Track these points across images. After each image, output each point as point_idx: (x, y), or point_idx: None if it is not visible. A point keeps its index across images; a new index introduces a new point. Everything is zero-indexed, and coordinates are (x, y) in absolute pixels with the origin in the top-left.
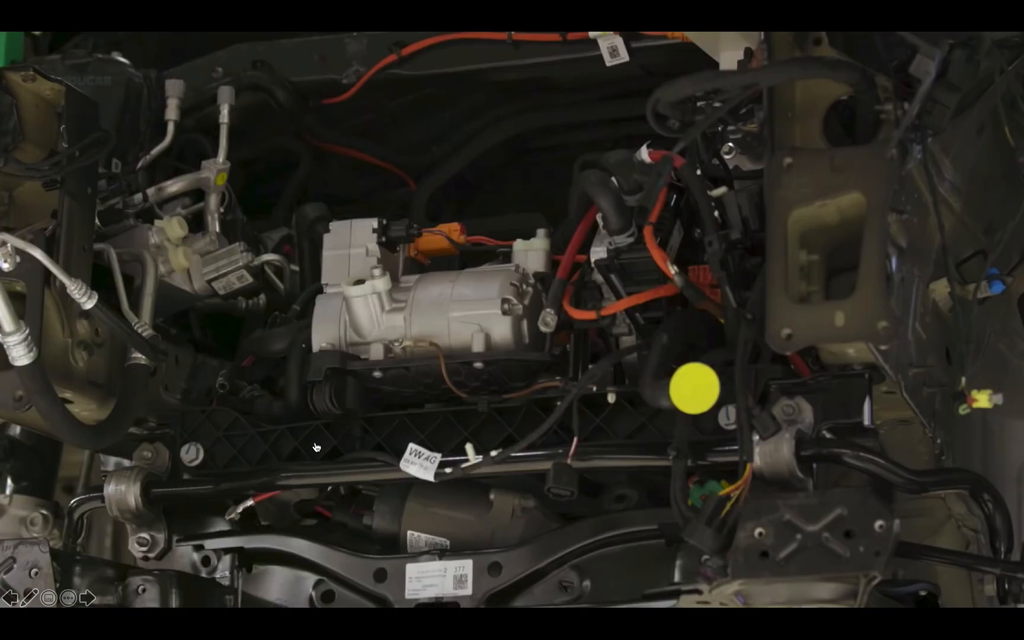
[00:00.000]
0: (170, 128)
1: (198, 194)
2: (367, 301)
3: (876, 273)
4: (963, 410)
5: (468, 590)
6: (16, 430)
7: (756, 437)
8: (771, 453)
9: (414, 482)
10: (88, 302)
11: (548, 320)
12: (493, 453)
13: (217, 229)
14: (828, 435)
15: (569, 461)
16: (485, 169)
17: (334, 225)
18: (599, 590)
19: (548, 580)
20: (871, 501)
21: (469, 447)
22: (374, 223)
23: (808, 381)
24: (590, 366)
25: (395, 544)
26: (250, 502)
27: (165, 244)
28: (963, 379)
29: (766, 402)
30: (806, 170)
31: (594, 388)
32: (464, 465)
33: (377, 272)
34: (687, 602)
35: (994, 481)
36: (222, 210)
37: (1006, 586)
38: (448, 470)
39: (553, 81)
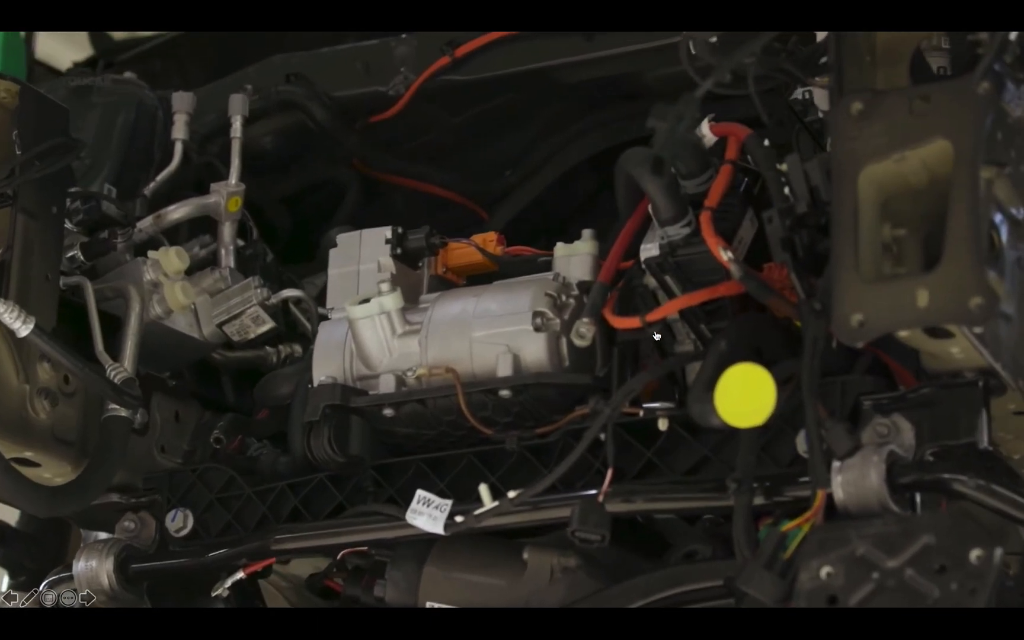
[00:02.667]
0: (177, 149)
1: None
2: (375, 323)
3: (966, 237)
4: None
5: None
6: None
7: (838, 463)
8: (856, 481)
9: (433, 544)
10: (23, 329)
11: (583, 331)
12: (511, 494)
13: (232, 264)
14: (932, 458)
15: (601, 497)
16: (572, 194)
17: (342, 237)
18: None
19: None
20: (966, 525)
21: (484, 489)
22: (387, 232)
23: (908, 394)
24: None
25: None
26: (240, 574)
27: (161, 279)
28: None
29: (858, 421)
30: (880, 117)
31: (640, 413)
32: (477, 512)
33: (386, 287)
34: None
35: None
36: (242, 243)
37: None
38: (461, 519)
39: (642, 83)
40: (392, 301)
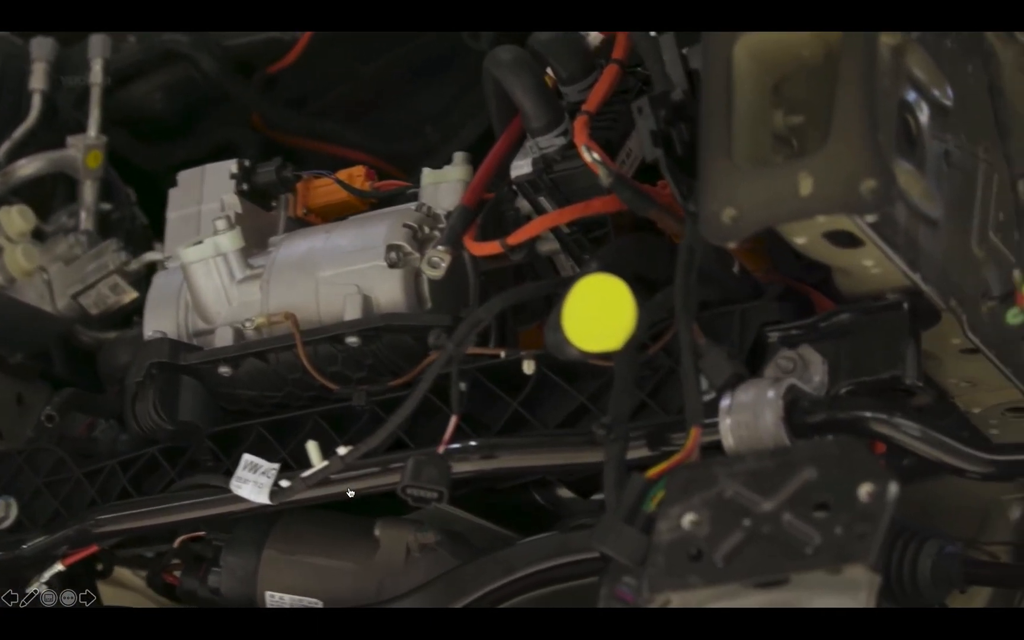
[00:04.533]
0: (35, 101)
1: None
2: (210, 268)
3: (856, 108)
4: (1013, 317)
5: None
6: None
7: (730, 400)
8: (749, 422)
9: (275, 523)
10: None
11: (435, 260)
12: (341, 451)
13: (92, 227)
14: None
15: (441, 449)
16: None
17: (182, 175)
18: None
19: None
20: (856, 454)
21: (312, 446)
22: (232, 166)
23: (820, 323)
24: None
25: None
26: (59, 566)
27: (2, 243)
28: (1016, 272)
29: (763, 355)
30: None
31: (502, 354)
32: (305, 474)
33: (222, 225)
34: None
35: None
36: (110, 207)
37: None
38: (287, 484)
39: None
40: (229, 241)
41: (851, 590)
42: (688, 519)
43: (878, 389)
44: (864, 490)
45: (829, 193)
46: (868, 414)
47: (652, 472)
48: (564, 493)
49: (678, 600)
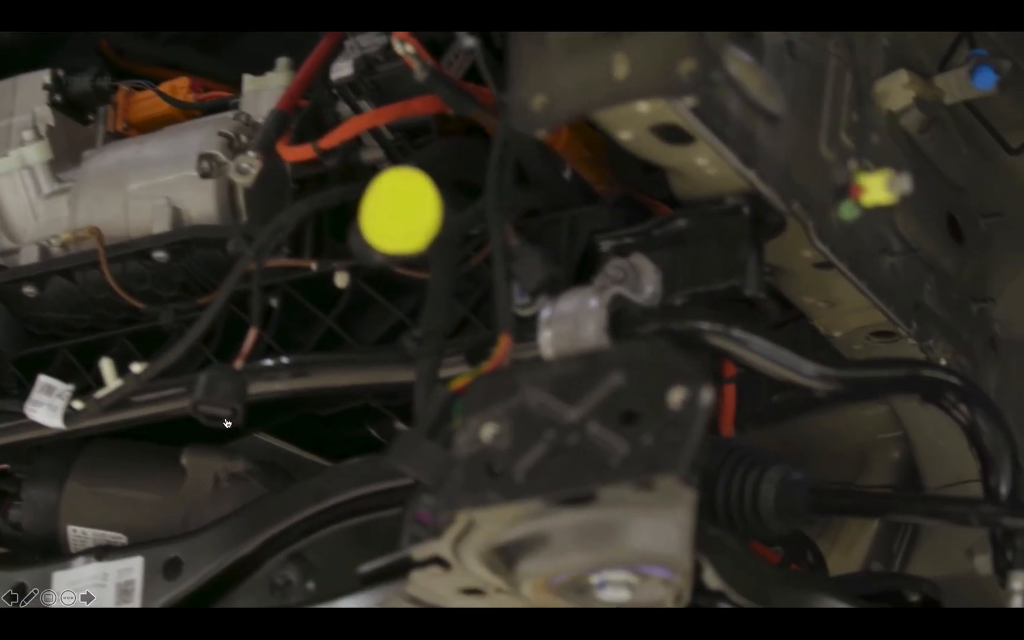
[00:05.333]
0: None
1: None
2: (16, 182)
3: None
4: (848, 211)
5: (135, 602)
6: None
7: (551, 310)
8: (569, 333)
9: (79, 454)
10: None
11: (244, 166)
12: (136, 368)
13: None
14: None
15: (239, 362)
16: None
17: None
18: (333, 588)
19: (256, 579)
20: (666, 357)
21: (106, 364)
22: (46, 76)
23: (653, 229)
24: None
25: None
26: None
27: None
28: (851, 162)
29: (595, 264)
30: None
31: (313, 266)
32: (99, 395)
33: (28, 136)
34: (426, 579)
35: None
36: None
37: (1008, 552)
38: (81, 405)
39: None
40: (36, 153)
41: (665, 508)
42: (488, 431)
43: (716, 300)
44: (675, 396)
45: (645, 75)
46: (703, 326)
47: (457, 383)
48: (400, 426)
49: (479, 519)
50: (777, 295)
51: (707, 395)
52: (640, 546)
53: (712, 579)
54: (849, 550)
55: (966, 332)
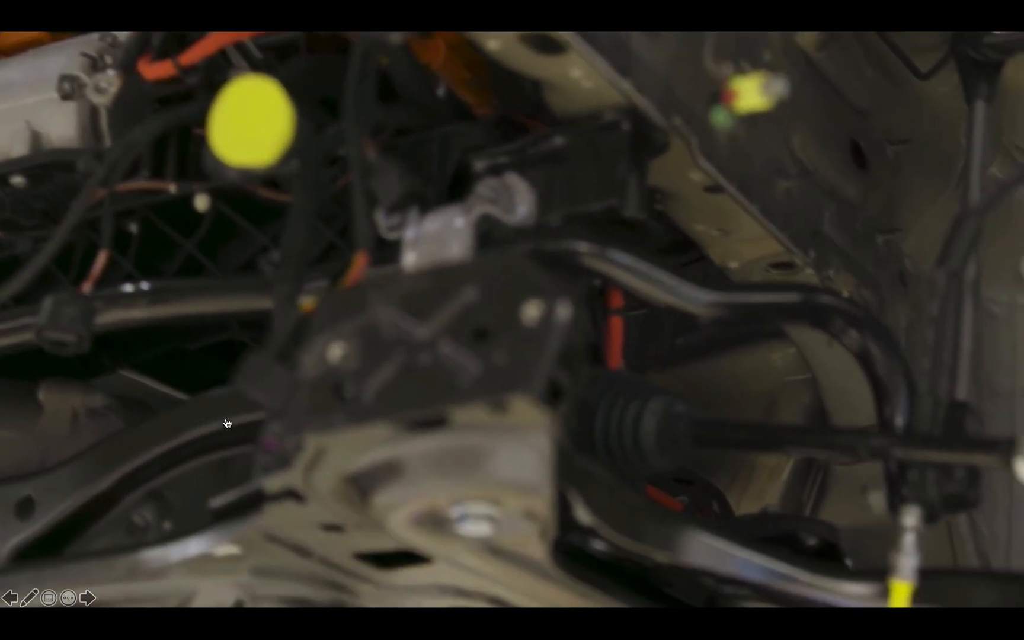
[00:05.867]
0: None
1: None
2: None
3: None
4: (720, 118)
5: None
6: None
7: (416, 230)
8: (433, 253)
9: None
10: None
11: (103, 85)
12: None
13: None
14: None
15: (87, 287)
16: None
17: None
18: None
19: (113, 518)
20: (522, 269)
21: None
22: None
23: (528, 147)
24: None
25: None
26: None
27: None
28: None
29: (468, 186)
30: None
31: (172, 188)
32: None
33: None
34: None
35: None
36: None
37: (902, 487)
38: None
39: None
40: None
41: (522, 434)
42: (335, 351)
43: (595, 222)
44: (530, 311)
45: None
46: (579, 247)
47: (308, 304)
48: None
49: (328, 445)
50: (672, 227)
51: (564, 310)
52: (499, 475)
53: (583, 514)
54: (759, 498)
55: (871, 265)
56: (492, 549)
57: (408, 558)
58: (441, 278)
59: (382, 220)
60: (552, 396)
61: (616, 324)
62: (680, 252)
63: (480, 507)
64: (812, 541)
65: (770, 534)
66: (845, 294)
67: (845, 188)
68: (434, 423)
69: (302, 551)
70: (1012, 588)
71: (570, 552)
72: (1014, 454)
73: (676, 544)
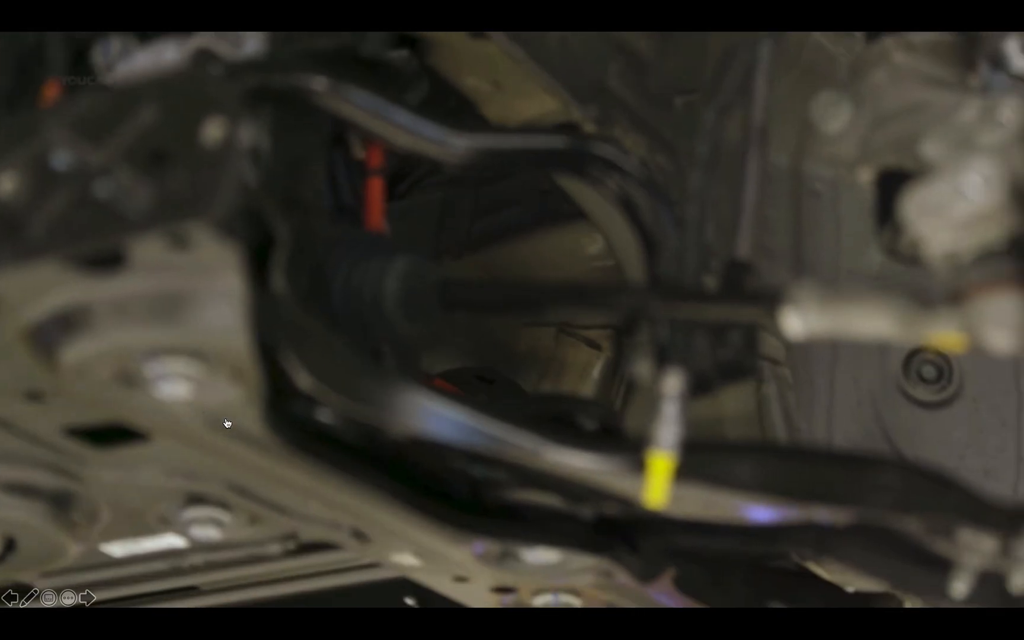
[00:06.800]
0: None
1: None
2: None
3: None
4: None
5: None
6: None
7: (127, 64)
8: None
9: None
10: None
11: None
12: None
13: None
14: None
15: None
16: None
17: None
18: None
19: None
20: (201, 86)
21: None
22: None
23: None
24: None
25: None
26: None
27: None
28: None
29: None
30: None
31: None
32: None
33: None
34: None
35: None
36: None
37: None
38: None
39: None
40: None
41: (211, 274)
42: (6, 184)
43: (332, 60)
44: (210, 131)
45: None
46: (311, 83)
47: None
48: None
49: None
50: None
51: (247, 131)
52: (191, 325)
53: (303, 378)
54: None
55: (667, 128)
56: (208, 422)
57: (124, 435)
58: (120, 98)
59: (100, 54)
60: (241, 228)
61: (375, 185)
62: None
63: (177, 364)
64: (590, 424)
65: (542, 414)
66: (635, 158)
67: (634, 42)
68: (111, 261)
69: (3, 424)
70: (771, 462)
71: (299, 426)
72: (779, 304)
73: (403, 409)
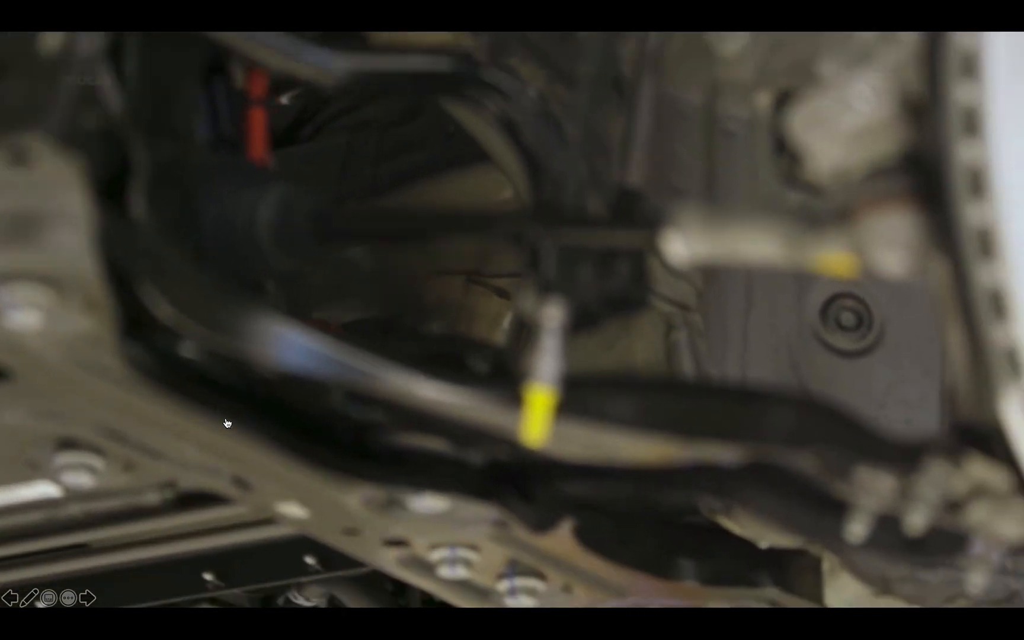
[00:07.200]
0: None
1: None
2: None
3: None
4: None
5: None
6: None
7: None
8: None
9: None
10: None
11: None
12: None
13: None
14: None
15: None
16: None
17: None
18: None
19: None
20: None
21: None
22: None
23: None
24: None
25: None
26: None
27: None
28: None
29: None
30: None
31: None
32: None
33: None
34: None
35: None
36: None
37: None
38: None
39: None
40: None
41: (55, 193)
42: None
43: None
44: (47, 40)
45: None
46: None
47: None
48: None
49: None
50: None
51: (89, 41)
52: (37, 248)
53: (163, 308)
54: None
55: (567, 60)
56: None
57: None
58: None
59: None
60: (87, 145)
61: (256, 115)
62: None
63: (26, 291)
64: (482, 366)
65: (430, 354)
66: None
67: None
68: None
69: None
70: (657, 397)
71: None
72: (661, 227)
73: (262, 338)
